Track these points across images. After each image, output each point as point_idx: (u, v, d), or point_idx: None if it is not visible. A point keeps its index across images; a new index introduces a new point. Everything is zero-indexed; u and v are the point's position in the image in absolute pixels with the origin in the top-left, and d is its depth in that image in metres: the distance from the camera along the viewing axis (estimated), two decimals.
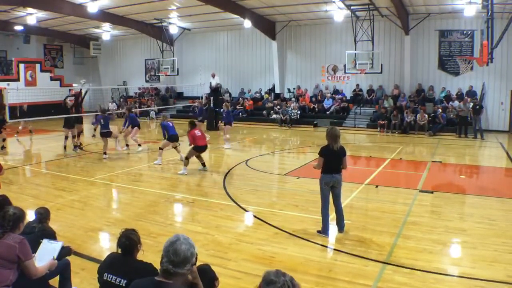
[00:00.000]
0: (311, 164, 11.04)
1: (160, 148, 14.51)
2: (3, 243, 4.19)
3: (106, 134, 15.55)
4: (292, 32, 27.70)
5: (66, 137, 16.98)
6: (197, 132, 12.89)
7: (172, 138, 14.35)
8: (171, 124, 14.57)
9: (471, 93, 22.47)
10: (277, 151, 17.47)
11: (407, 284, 5.66)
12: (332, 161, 7.35)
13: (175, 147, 14.69)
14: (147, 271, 3.85)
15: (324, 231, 7.43)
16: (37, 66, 31.57)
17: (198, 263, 3.53)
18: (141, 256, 4.21)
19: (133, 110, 19.25)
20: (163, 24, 28.84)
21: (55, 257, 4.73)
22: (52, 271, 4.75)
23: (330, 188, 7.45)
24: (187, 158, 12.90)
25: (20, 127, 20.20)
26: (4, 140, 17.29)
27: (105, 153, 15.49)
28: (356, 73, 23.48)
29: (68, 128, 16.86)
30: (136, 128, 16.95)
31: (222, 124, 18.64)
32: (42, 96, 26.74)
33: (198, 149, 12.93)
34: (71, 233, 7.70)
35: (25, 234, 4.65)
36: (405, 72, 24.25)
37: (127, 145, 17.12)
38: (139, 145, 17.06)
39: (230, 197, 10.16)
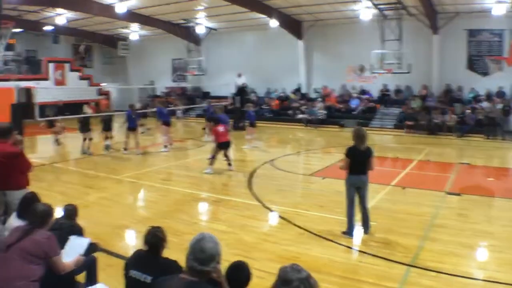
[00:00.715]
0: (337, 165, 11.00)
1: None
2: (32, 238, 4.26)
3: (133, 129, 15.91)
4: (318, 32, 27.52)
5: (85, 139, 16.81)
6: (220, 128, 12.87)
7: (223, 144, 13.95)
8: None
9: (500, 94, 22.04)
10: (302, 151, 17.43)
11: (432, 287, 5.61)
12: (358, 162, 7.30)
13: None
14: (173, 268, 3.90)
15: (349, 232, 7.40)
16: (66, 65, 32.14)
17: (227, 264, 3.58)
18: (166, 253, 4.27)
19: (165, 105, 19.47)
20: (190, 24, 29.02)
21: (82, 253, 4.80)
22: (79, 267, 4.82)
23: (356, 189, 7.40)
24: (213, 157, 12.86)
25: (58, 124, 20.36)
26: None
27: (125, 148, 15.94)
28: (383, 73, 23.24)
29: (84, 132, 16.69)
30: (165, 127, 17.18)
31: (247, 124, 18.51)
32: (71, 95, 27.25)
33: (221, 145, 12.85)
34: (98, 230, 7.82)
35: (53, 230, 4.71)
36: (433, 72, 23.89)
37: (165, 146, 17.19)
38: (165, 146, 17.14)
39: (255, 196, 10.19)
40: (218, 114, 16.40)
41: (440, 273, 5.95)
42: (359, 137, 7.31)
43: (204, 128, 20.25)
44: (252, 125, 18.41)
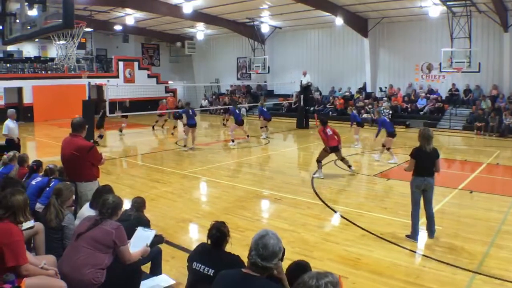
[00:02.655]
0: (402, 166, 10.82)
1: (388, 148, 14.18)
2: (101, 228, 4.50)
3: (192, 125, 16.35)
4: (384, 29, 27.04)
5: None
6: (328, 131, 12.02)
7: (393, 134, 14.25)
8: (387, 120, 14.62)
9: None
10: (366, 151, 17.23)
11: None
12: (424, 163, 7.16)
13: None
14: (235, 263, 4.01)
15: (413, 235, 7.29)
16: (135, 64, 33.25)
17: (288, 263, 3.65)
18: (229, 248, 4.39)
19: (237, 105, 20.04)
20: (254, 23, 29.27)
21: (148, 244, 5.02)
22: (145, 257, 5.04)
23: (422, 192, 7.27)
24: (318, 160, 12.20)
25: (123, 124, 21.28)
26: (101, 137, 18.14)
27: (185, 145, 16.49)
28: (452, 72, 22.52)
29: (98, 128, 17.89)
30: (235, 125, 17.99)
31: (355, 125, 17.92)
32: (140, 93, 28.19)
33: (329, 149, 12.10)
34: (164, 222, 8.14)
35: (121, 221, 4.95)
36: (504, 71, 22.91)
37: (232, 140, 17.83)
38: (233, 140, 17.54)
39: (318, 196, 10.22)
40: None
41: (506, 281, 5.77)
42: (425, 138, 7.18)
43: (262, 127, 20.79)
44: (360, 125, 18.00)
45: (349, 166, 12.47)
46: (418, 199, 7.31)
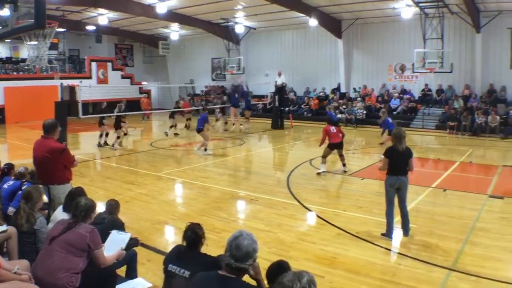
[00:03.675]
0: (377, 165, 10.92)
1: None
2: (75, 232, 4.42)
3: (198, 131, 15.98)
4: (358, 31, 27.24)
5: (102, 134, 17.97)
6: (332, 129, 12.49)
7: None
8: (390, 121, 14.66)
9: None
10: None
11: None
12: (397, 163, 7.23)
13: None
14: (211, 264, 3.96)
15: (388, 234, 7.33)
16: (109, 64, 32.90)
17: (264, 262, 3.61)
18: (205, 250, 4.35)
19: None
20: (229, 23, 29.21)
21: (123, 247, 4.94)
22: (120, 261, 4.97)
23: (396, 191, 7.33)
24: (323, 156, 12.59)
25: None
26: (118, 137, 17.77)
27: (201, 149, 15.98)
28: (425, 72, 22.82)
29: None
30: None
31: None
32: (114, 94, 27.87)
33: (332, 146, 12.55)
34: (139, 225, 8.03)
35: (95, 224, 4.88)
36: (476, 71, 23.29)
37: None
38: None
39: (293, 196, 10.21)
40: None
41: (481, 277, 5.84)
42: (397, 138, 7.26)
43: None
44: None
45: (344, 165, 12.76)
46: (392, 197, 7.37)
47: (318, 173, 12.49)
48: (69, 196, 5.48)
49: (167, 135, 20.48)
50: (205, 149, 15.75)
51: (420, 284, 5.72)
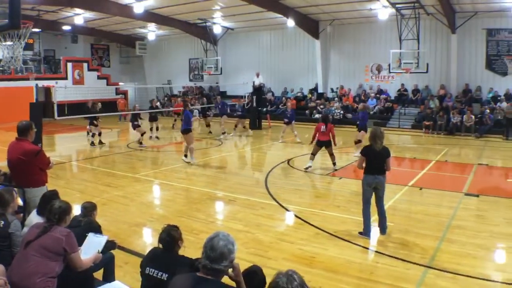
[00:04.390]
0: (354, 165, 10.98)
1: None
2: (50, 235, 4.32)
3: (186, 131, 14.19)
4: (335, 31, 27.43)
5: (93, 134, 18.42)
6: (322, 128, 12.98)
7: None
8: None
9: None
10: (319, 151, 17.36)
11: None
12: (374, 162, 7.27)
13: None
14: (189, 266, 3.94)
15: (366, 232, 7.37)
16: (85, 65, 32.55)
17: (243, 263, 3.58)
18: (182, 252, 4.33)
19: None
20: (207, 24, 29.12)
21: (100, 250, 4.86)
22: (97, 264, 4.88)
23: (373, 190, 7.38)
24: (312, 153, 13.10)
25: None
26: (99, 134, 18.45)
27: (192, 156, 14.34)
28: (401, 72, 23.12)
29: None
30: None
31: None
32: (90, 95, 27.54)
33: (319, 143, 13.01)
34: (116, 227, 7.93)
35: (71, 227, 4.77)
36: (451, 71, 23.62)
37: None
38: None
39: (271, 196, 10.21)
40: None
41: (457, 274, 5.90)
42: (373, 137, 7.29)
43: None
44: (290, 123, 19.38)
45: (334, 164, 13.10)
46: (369, 197, 7.41)
47: (306, 168, 12.86)
48: (43, 199, 5.36)
49: (158, 138, 20.15)
50: (186, 155, 14.32)
51: (397, 281, 5.76)
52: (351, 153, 15.44)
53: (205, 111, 23.75)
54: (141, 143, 17.70)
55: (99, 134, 18.34)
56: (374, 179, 7.28)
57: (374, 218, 7.55)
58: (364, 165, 7.42)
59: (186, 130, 14.06)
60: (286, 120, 19.59)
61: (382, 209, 7.45)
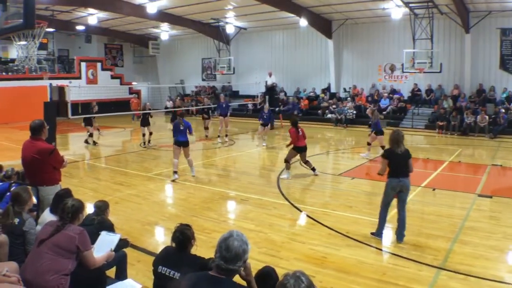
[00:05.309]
0: (366, 165, 10.93)
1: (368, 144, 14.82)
2: (64, 233, 4.36)
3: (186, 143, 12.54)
4: (348, 31, 27.36)
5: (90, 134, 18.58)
6: (299, 131, 12.11)
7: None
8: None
9: None
10: (331, 151, 17.37)
11: None
12: (397, 165, 7.19)
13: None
14: (201, 265, 3.96)
15: (378, 233, 7.35)
16: (98, 64, 32.74)
17: (255, 263, 3.59)
18: (195, 251, 4.35)
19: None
20: (219, 23, 29.17)
21: (113, 248, 4.91)
22: (109, 262, 4.93)
23: (397, 193, 7.27)
24: (286, 160, 12.24)
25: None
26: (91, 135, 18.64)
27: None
28: (415, 72, 22.96)
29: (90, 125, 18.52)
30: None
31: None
32: (103, 94, 27.77)
33: (297, 149, 12.22)
34: (128, 226, 7.99)
35: (84, 225, 4.83)
36: (465, 71, 23.43)
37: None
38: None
39: (283, 196, 10.22)
40: None
41: (470, 276, 5.88)
42: (396, 141, 7.22)
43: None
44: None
45: (313, 169, 12.44)
46: (391, 200, 7.34)
47: (282, 178, 12.07)
48: (56, 198, 5.42)
49: (150, 143, 20.00)
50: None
51: (410, 283, 5.74)
52: (364, 153, 15.35)
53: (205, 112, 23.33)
54: (149, 142, 17.87)
55: (91, 135, 18.58)
56: (399, 182, 7.18)
57: (388, 218, 7.51)
58: (387, 169, 7.29)
59: (187, 142, 12.41)
60: (261, 121, 18.21)
61: (403, 214, 7.30)
